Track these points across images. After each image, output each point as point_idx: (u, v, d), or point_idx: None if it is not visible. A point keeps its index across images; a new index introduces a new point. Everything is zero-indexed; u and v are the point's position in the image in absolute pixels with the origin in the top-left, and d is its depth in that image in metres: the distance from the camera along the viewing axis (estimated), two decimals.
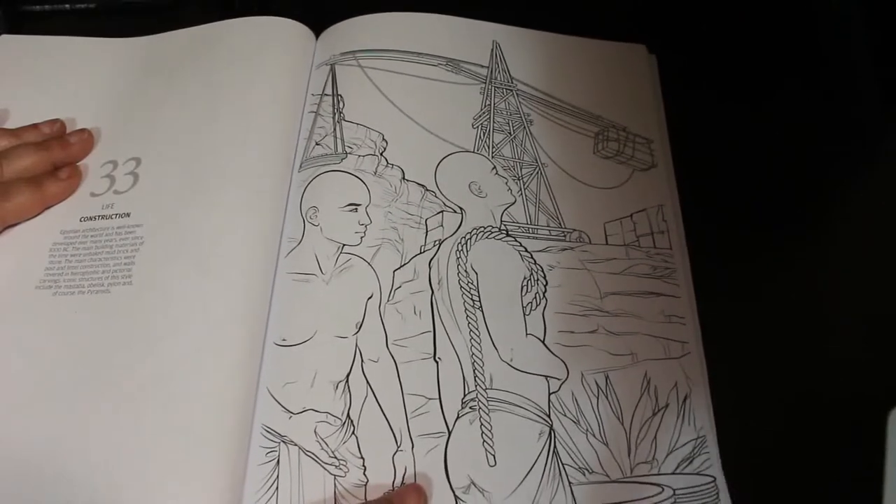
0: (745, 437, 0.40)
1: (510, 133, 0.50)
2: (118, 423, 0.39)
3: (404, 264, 0.44)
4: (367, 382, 0.41)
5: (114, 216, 0.46)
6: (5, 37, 0.56)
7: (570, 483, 0.38)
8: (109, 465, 0.38)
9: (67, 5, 0.58)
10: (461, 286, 0.43)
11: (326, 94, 0.51)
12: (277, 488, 0.38)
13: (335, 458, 0.38)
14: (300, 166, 0.48)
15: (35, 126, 0.49)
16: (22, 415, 0.40)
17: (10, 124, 0.50)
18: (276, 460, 0.38)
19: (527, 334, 0.42)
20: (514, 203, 0.47)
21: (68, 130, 0.50)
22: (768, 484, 0.39)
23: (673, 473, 0.39)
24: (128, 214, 0.46)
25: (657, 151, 0.50)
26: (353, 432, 0.39)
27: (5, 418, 0.40)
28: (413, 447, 0.39)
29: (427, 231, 0.45)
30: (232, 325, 0.41)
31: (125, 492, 0.37)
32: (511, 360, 0.41)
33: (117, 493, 0.37)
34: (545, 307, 0.43)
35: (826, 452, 0.39)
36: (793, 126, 0.50)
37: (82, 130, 0.50)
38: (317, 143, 0.48)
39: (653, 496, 0.38)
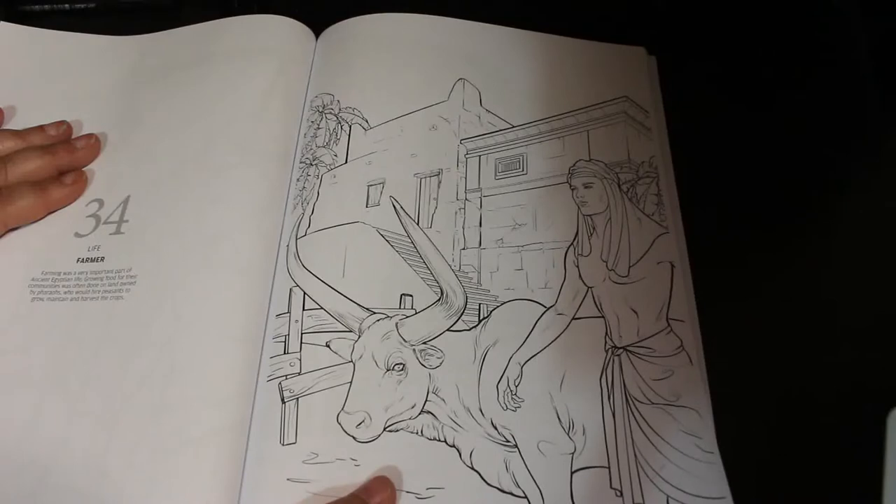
0: (744, 436, 0.39)
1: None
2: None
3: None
4: None
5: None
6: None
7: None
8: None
9: (67, 5, 0.58)
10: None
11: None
12: None
13: None
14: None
15: (41, 128, 0.49)
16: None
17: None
18: None
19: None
20: None
21: (56, 127, 0.50)
22: (767, 483, 0.39)
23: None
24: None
25: (657, 155, 0.50)
26: None
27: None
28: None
29: None
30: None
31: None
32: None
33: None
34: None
35: (826, 452, 0.39)
36: (793, 126, 0.50)
37: (89, 135, 0.49)
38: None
39: None
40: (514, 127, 0.50)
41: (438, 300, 0.43)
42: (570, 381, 0.41)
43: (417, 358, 0.41)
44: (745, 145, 0.50)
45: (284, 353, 0.42)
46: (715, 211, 0.47)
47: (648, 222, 0.47)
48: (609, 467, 0.39)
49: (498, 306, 0.44)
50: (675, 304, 0.44)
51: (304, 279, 0.44)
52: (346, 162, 0.48)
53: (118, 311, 0.43)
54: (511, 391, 0.41)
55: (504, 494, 0.38)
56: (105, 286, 0.44)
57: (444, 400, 0.40)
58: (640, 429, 0.40)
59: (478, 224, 0.47)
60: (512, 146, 0.50)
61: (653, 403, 0.41)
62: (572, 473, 0.39)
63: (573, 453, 0.39)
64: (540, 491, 0.38)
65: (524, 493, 0.38)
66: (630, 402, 0.40)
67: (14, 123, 0.51)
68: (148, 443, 0.38)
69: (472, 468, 0.39)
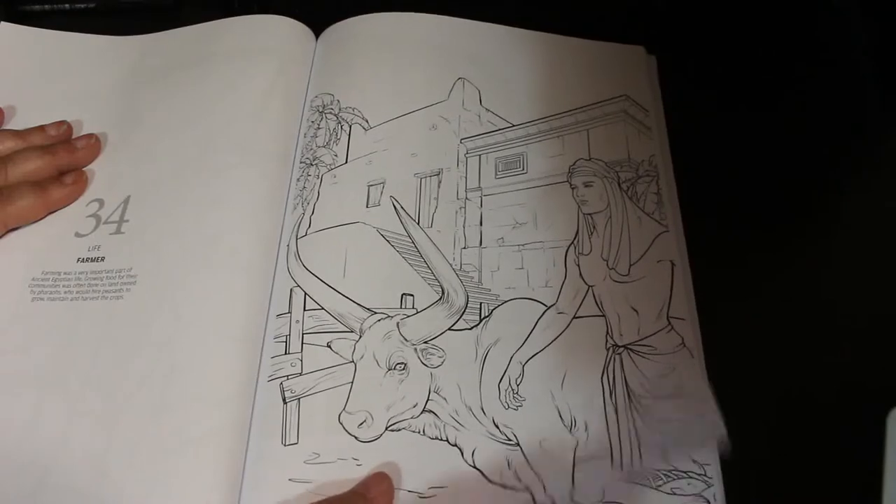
0: (743, 436, 0.39)
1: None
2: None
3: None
4: None
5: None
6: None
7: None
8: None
9: (67, 5, 0.58)
10: None
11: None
12: None
13: None
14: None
15: (41, 128, 0.49)
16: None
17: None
18: None
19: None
20: None
21: (57, 127, 0.49)
22: (767, 483, 0.39)
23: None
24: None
25: (657, 153, 0.50)
26: None
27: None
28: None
29: None
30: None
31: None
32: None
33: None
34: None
35: (826, 452, 0.39)
36: (793, 126, 0.50)
37: (89, 135, 0.49)
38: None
39: None
40: (514, 126, 0.50)
41: (439, 299, 0.44)
42: (571, 379, 0.41)
43: (419, 357, 0.42)
44: (745, 145, 0.50)
45: (285, 354, 0.42)
46: (715, 210, 0.47)
47: (648, 221, 0.47)
48: (612, 464, 0.39)
49: (499, 305, 0.44)
50: (676, 302, 0.44)
51: (304, 279, 0.44)
52: (346, 162, 0.48)
53: (118, 311, 0.43)
54: (513, 390, 0.41)
55: (506, 492, 0.38)
56: (105, 286, 0.44)
57: (445, 399, 0.41)
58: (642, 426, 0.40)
59: (478, 223, 0.47)
60: (512, 145, 0.50)
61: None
62: (574, 471, 0.39)
63: (575, 451, 0.39)
64: (543, 489, 0.38)
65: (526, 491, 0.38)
66: (632, 399, 0.41)
67: (14, 123, 0.51)
68: (148, 443, 0.38)
69: (475, 467, 0.39)
